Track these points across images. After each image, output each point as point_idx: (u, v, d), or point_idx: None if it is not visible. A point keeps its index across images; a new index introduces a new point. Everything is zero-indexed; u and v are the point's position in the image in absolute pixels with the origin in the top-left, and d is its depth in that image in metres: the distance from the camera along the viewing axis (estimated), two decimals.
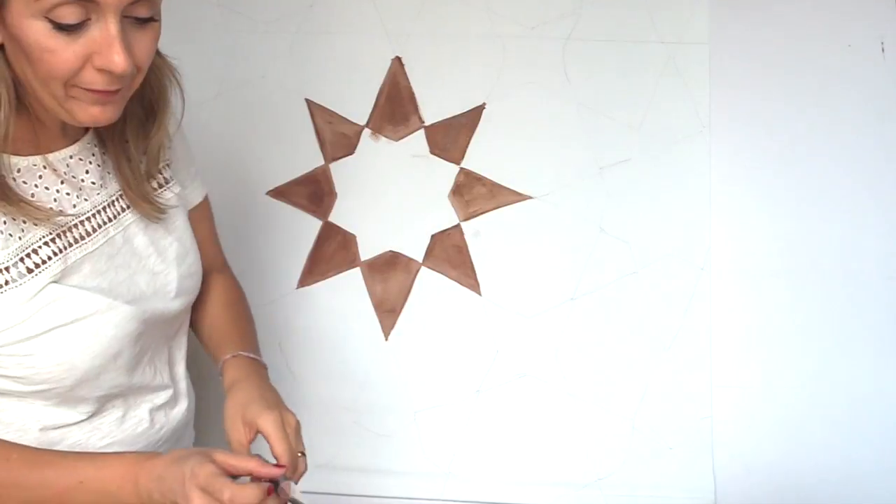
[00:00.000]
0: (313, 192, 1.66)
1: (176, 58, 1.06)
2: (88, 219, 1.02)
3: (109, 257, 1.03)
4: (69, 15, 0.86)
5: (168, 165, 1.13)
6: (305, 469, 1.02)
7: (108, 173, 1.06)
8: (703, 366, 1.62)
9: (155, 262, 1.08)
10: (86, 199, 1.02)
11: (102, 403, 1.06)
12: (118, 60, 0.89)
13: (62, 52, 0.88)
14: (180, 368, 1.19)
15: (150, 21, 0.92)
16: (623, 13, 1.60)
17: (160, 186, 1.11)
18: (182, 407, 1.17)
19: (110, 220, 1.04)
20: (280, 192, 1.66)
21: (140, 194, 1.06)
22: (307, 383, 1.66)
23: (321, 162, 1.65)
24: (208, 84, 1.63)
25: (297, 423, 1.04)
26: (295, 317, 1.65)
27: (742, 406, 1.62)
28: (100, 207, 1.04)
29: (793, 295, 1.61)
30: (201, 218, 1.22)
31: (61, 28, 0.87)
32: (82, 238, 1.01)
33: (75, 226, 1.01)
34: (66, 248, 0.99)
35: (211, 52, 1.64)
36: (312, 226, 1.65)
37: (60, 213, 0.99)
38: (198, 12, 1.63)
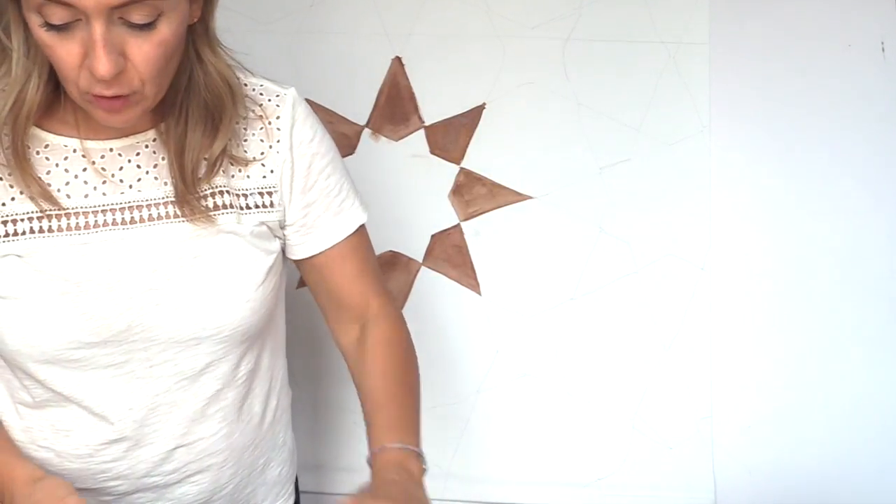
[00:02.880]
0: None
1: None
2: (95, 212, 1.00)
3: (95, 255, 0.99)
4: (54, 15, 0.86)
5: (270, 193, 1.07)
6: None
7: (155, 178, 1.02)
8: (703, 366, 1.62)
9: (166, 280, 1.01)
10: (104, 194, 1.00)
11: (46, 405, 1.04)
12: (100, 66, 0.87)
13: (57, 49, 0.88)
14: (205, 428, 1.08)
15: (151, 27, 0.89)
16: (623, 13, 1.60)
17: (216, 208, 1.03)
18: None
19: (125, 222, 1.01)
20: None
21: (188, 201, 1.01)
22: (307, 383, 1.65)
23: None
24: None
25: None
26: (295, 317, 1.64)
27: (742, 406, 1.62)
28: (117, 207, 1.01)
29: (793, 295, 1.61)
30: (343, 256, 1.13)
31: (52, 26, 0.87)
32: (76, 228, 0.99)
33: (74, 214, 0.99)
34: (48, 231, 0.98)
35: None
36: None
37: (50, 197, 0.98)
38: None
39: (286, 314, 1.25)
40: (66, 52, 0.88)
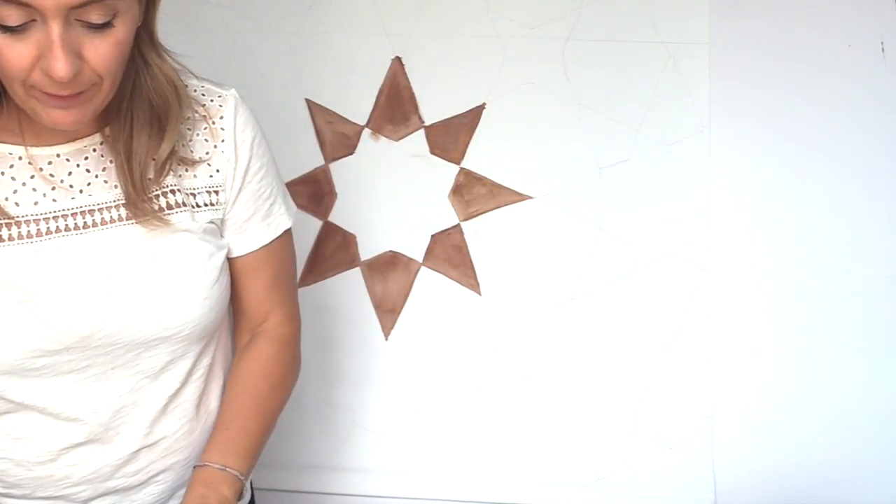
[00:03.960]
0: (313, 192, 1.65)
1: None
2: (47, 219, 0.99)
3: (50, 262, 0.98)
4: (9, 17, 0.85)
5: (217, 192, 1.07)
6: None
7: (105, 182, 1.02)
8: (703, 366, 1.62)
9: (125, 283, 1.01)
10: (54, 200, 0.99)
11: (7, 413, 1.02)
12: (59, 66, 0.86)
13: (7, 51, 0.87)
14: (166, 426, 1.09)
15: (108, 27, 0.89)
16: (623, 13, 1.60)
17: (169, 207, 1.04)
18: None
19: (78, 227, 1.00)
20: None
21: (139, 206, 1.01)
22: (306, 383, 1.65)
23: (321, 162, 1.65)
24: None
25: None
26: None
27: (742, 406, 1.62)
28: (69, 212, 1.00)
29: (793, 295, 1.61)
30: (260, 263, 1.13)
31: (6, 29, 0.86)
32: (28, 236, 0.98)
33: (25, 222, 0.98)
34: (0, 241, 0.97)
35: (211, 52, 1.63)
36: (312, 226, 1.65)
37: None
38: (198, 12, 1.63)
39: None
40: (16, 53, 0.87)
